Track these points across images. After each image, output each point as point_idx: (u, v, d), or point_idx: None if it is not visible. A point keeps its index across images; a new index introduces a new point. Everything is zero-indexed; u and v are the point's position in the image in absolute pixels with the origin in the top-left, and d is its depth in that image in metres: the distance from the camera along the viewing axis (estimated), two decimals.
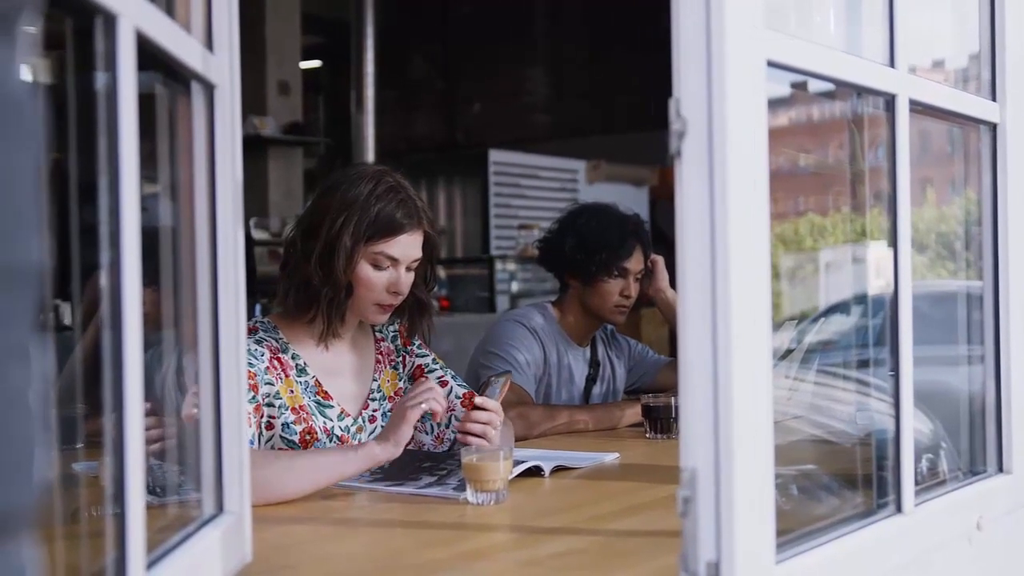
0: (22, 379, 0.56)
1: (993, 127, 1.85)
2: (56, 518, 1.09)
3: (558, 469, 2.20)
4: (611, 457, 2.38)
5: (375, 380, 2.36)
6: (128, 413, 1.01)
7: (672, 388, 3.03)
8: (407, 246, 2.22)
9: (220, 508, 1.38)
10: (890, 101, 1.55)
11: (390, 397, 2.37)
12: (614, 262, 3.01)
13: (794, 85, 1.50)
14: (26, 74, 0.59)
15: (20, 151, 0.54)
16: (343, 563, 1.60)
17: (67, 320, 2.68)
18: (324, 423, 2.22)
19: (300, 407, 2.20)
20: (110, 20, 1.00)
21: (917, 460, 1.64)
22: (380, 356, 2.39)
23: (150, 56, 1.11)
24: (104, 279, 1.00)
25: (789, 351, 2.29)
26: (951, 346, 2.02)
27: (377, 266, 2.21)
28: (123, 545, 1.01)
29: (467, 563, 1.55)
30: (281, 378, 2.19)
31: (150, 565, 1.08)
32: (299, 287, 2.22)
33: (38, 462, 0.58)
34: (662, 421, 2.67)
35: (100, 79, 1.01)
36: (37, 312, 0.59)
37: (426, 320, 2.38)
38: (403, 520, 1.78)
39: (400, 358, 2.42)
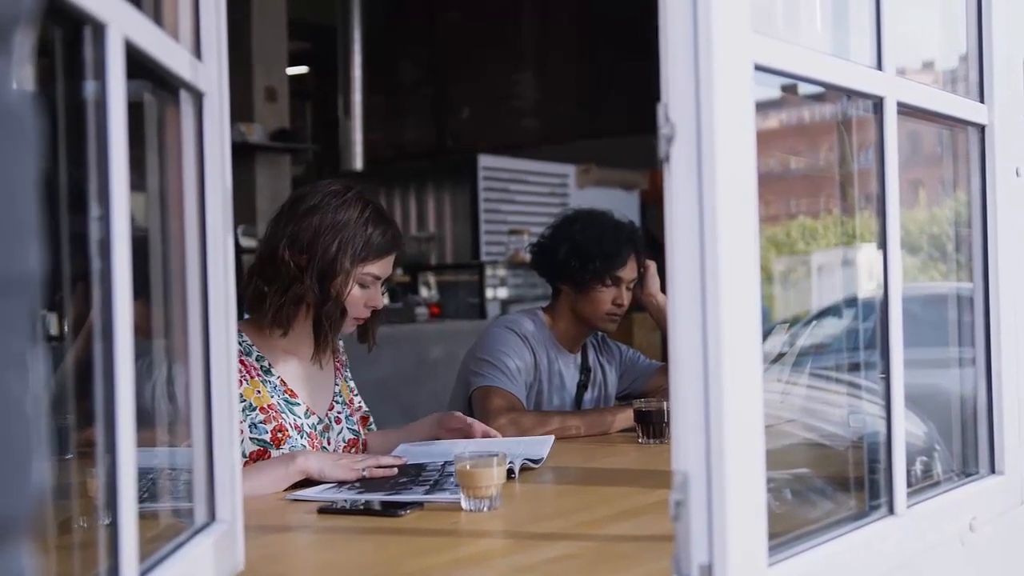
0: (20, 388, 0.56)
1: (981, 128, 1.85)
2: (49, 528, 1.09)
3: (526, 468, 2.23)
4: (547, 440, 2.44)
5: (336, 385, 2.47)
6: (119, 423, 1.01)
7: (664, 393, 3.03)
8: (390, 265, 2.36)
9: (212, 517, 1.38)
10: (878, 104, 1.55)
11: (348, 403, 2.48)
12: (608, 271, 2.99)
13: (784, 88, 1.51)
14: (23, 84, 0.59)
15: (19, 161, 0.55)
16: (336, 571, 1.59)
17: (53, 331, 2.68)
18: (294, 420, 2.30)
19: (269, 406, 2.27)
20: (99, 29, 0.99)
21: (911, 463, 1.64)
22: (339, 364, 2.51)
23: (137, 64, 1.11)
24: (95, 288, 1.00)
25: (781, 354, 2.29)
26: (943, 348, 2.02)
27: (362, 285, 2.32)
28: (116, 554, 1.00)
29: (463, 569, 1.55)
30: (247, 379, 2.25)
31: (143, 574, 1.08)
32: (290, 303, 2.27)
33: (36, 470, 0.59)
34: (654, 426, 2.67)
35: (89, 87, 1.00)
36: (34, 321, 0.59)
37: (378, 324, 2.45)
38: (396, 527, 1.78)
39: (348, 372, 2.54)
